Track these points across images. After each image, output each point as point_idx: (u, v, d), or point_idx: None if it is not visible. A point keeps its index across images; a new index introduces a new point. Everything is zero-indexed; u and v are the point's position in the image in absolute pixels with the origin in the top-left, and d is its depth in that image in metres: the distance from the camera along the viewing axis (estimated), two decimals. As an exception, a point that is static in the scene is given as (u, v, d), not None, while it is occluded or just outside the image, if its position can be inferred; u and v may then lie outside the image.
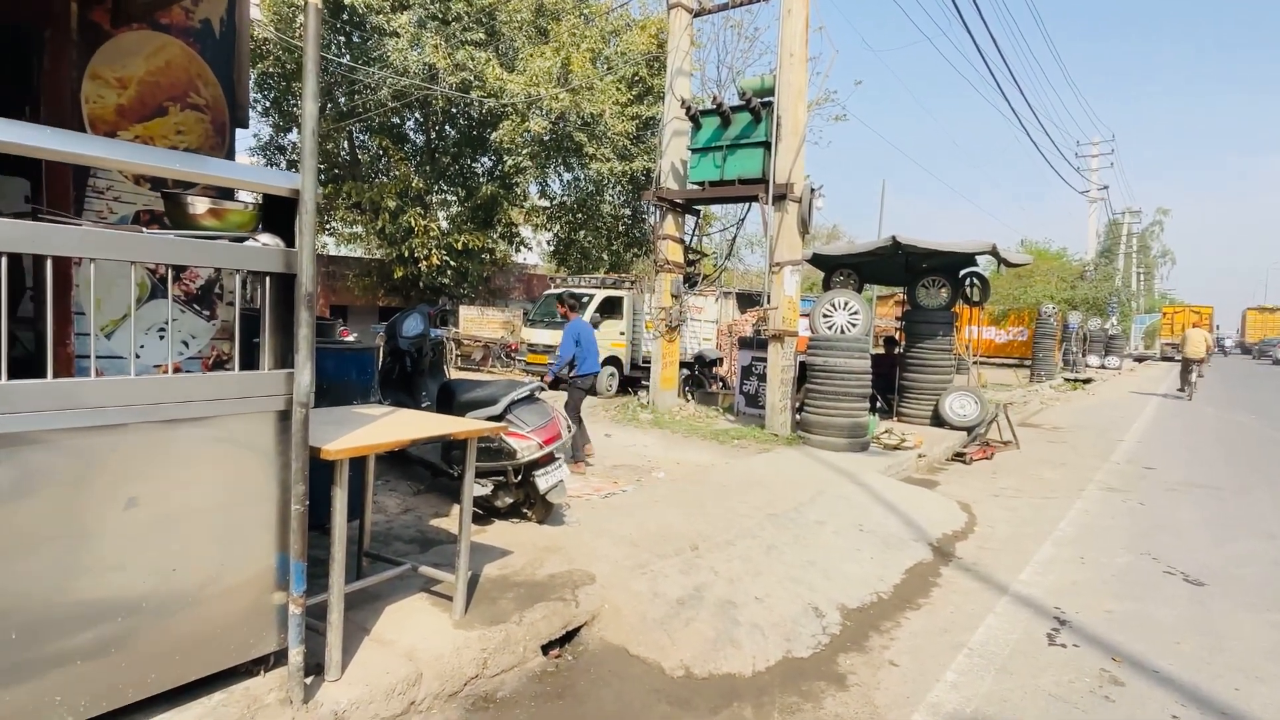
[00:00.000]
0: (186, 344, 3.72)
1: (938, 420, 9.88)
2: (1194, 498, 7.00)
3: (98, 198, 3.41)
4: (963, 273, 10.62)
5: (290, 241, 2.29)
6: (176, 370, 3.53)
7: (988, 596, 4.27)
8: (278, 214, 2.35)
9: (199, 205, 2.21)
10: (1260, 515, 6.39)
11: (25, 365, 2.35)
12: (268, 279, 2.27)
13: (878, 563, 4.60)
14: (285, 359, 2.32)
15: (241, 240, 2.25)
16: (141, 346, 3.50)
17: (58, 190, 3.20)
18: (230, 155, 3.94)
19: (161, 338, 3.54)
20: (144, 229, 2.36)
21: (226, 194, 3.06)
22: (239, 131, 4.05)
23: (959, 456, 8.69)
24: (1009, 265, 10.37)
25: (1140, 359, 38.11)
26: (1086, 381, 20.98)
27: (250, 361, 2.36)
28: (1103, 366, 26.67)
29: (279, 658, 2.44)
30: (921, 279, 10.54)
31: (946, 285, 10.34)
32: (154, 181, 3.50)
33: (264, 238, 2.28)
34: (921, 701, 3.03)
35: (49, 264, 1.80)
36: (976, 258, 10.37)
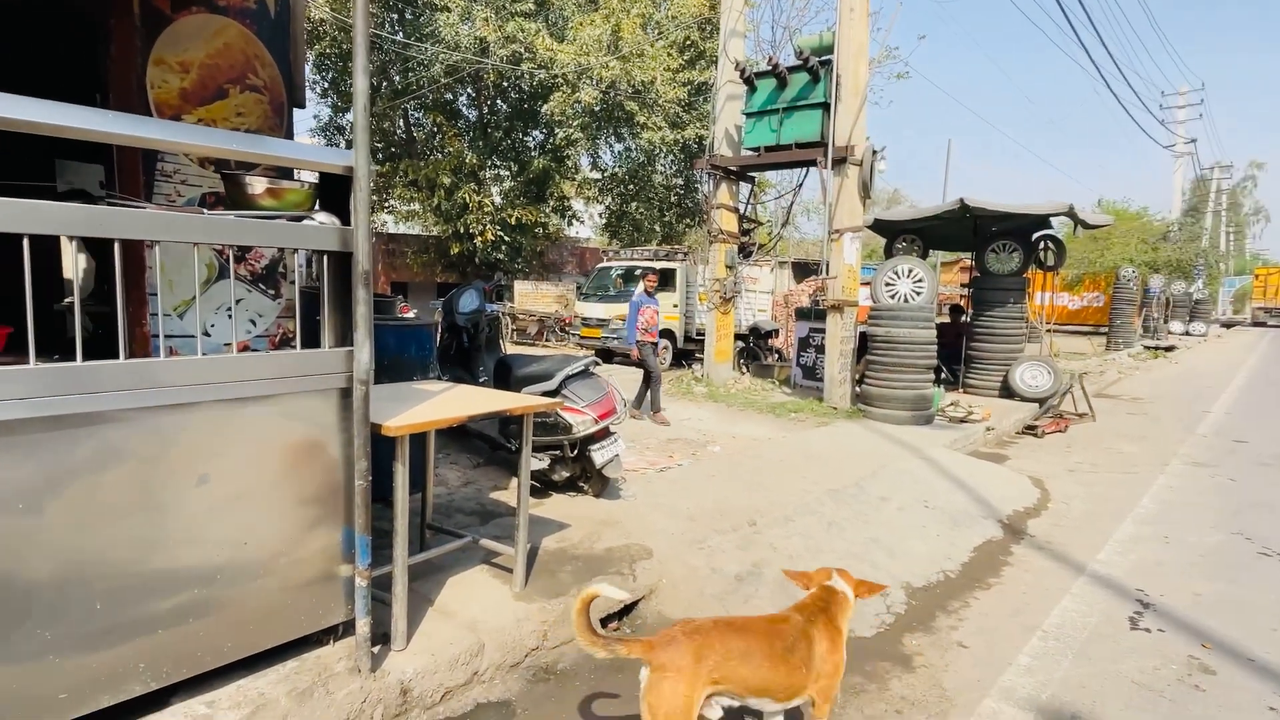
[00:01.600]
0: (254, 322, 3.82)
1: (1007, 391, 9.49)
2: (1292, 473, 6.53)
3: (166, 181, 3.50)
4: (1036, 236, 10.08)
5: (346, 220, 2.29)
6: (244, 348, 3.64)
7: (1063, 577, 4.08)
8: (334, 192, 2.36)
9: (257, 185, 2.23)
10: (1369, 493, 5.92)
11: (107, 345, 2.44)
12: (326, 257, 2.28)
13: (945, 540, 4.45)
14: (345, 337, 2.34)
15: (299, 219, 2.27)
16: (211, 325, 3.61)
17: (128, 175, 3.30)
18: (289, 135, 3.99)
19: (230, 317, 3.65)
20: (206, 210, 2.40)
21: (286, 174, 3.10)
22: (297, 112, 4.10)
23: (1030, 429, 8.33)
24: (1087, 227, 9.79)
25: (1229, 324, 35.82)
26: (1169, 349, 19.83)
27: (312, 339, 2.39)
28: (1187, 333, 25.16)
29: (347, 628, 2.50)
30: (991, 243, 10.05)
31: (1018, 249, 9.83)
32: (218, 164, 3.58)
33: (321, 216, 2.28)
34: (993, 685, 2.91)
35: (116, 246, 1.83)
36: (1051, 220, 9.82)
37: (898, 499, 5.01)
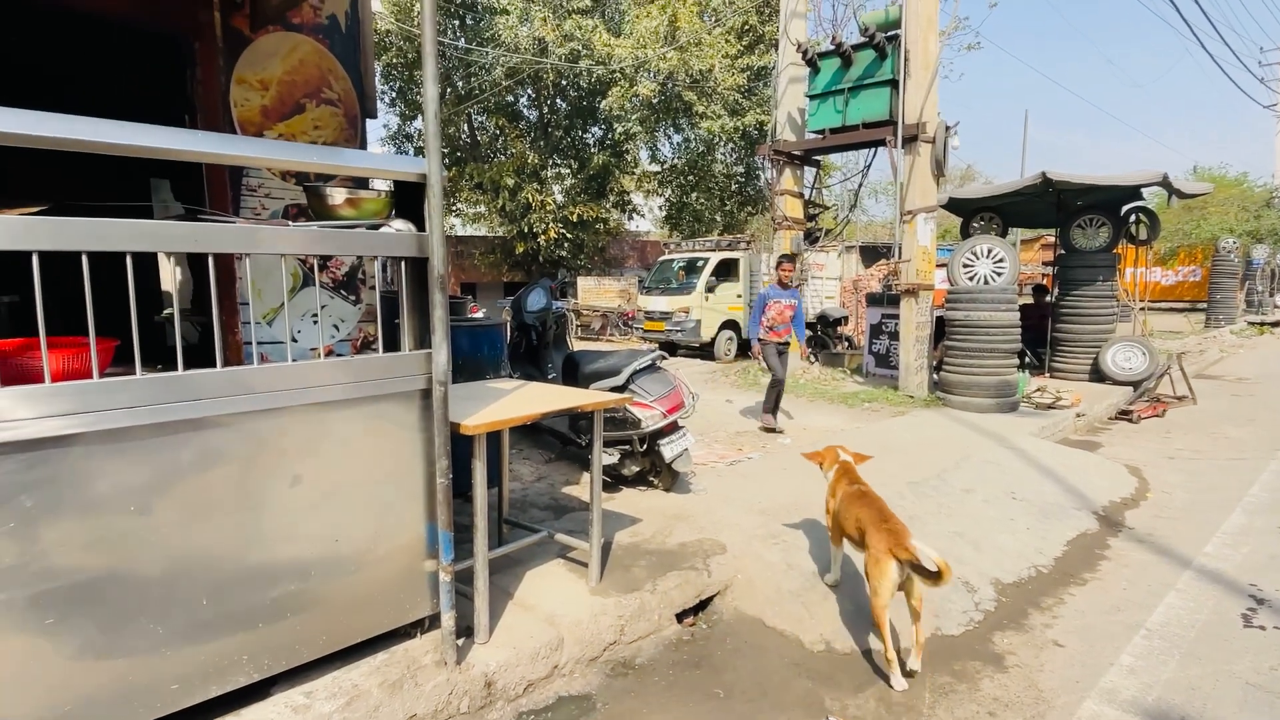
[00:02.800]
0: (337, 327, 3.98)
1: (1098, 375, 8.96)
2: None
3: (251, 195, 3.68)
4: (1126, 208, 9.46)
5: (421, 225, 2.34)
6: (329, 353, 3.80)
7: (1166, 571, 3.82)
8: (408, 199, 2.42)
9: (336, 196, 2.31)
10: None
11: (202, 353, 2.58)
12: (403, 263, 2.35)
13: (1035, 533, 4.24)
14: (423, 339, 2.41)
15: (377, 228, 2.33)
16: (298, 331, 3.78)
17: (217, 191, 3.48)
18: (362, 145, 4.13)
19: (315, 323, 3.81)
20: (290, 222, 2.50)
21: (362, 183, 3.21)
22: (369, 122, 4.23)
23: (1124, 414, 7.85)
24: (1183, 196, 9.11)
25: (1348, 295, 32.79)
26: (1276, 325, 18.32)
27: (393, 342, 2.47)
28: (1298, 307, 23.14)
29: (432, 621, 2.58)
30: (1077, 218, 9.48)
31: (1107, 224, 9.25)
32: (299, 177, 3.74)
33: (397, 223, 2.34)
34: (1093, 686, 2.76)
35: (210, 260, 1.93)
36: (1143, 190, 9.19)
37: (982, 491, 4.81)
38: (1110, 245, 9.29)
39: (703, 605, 3.41)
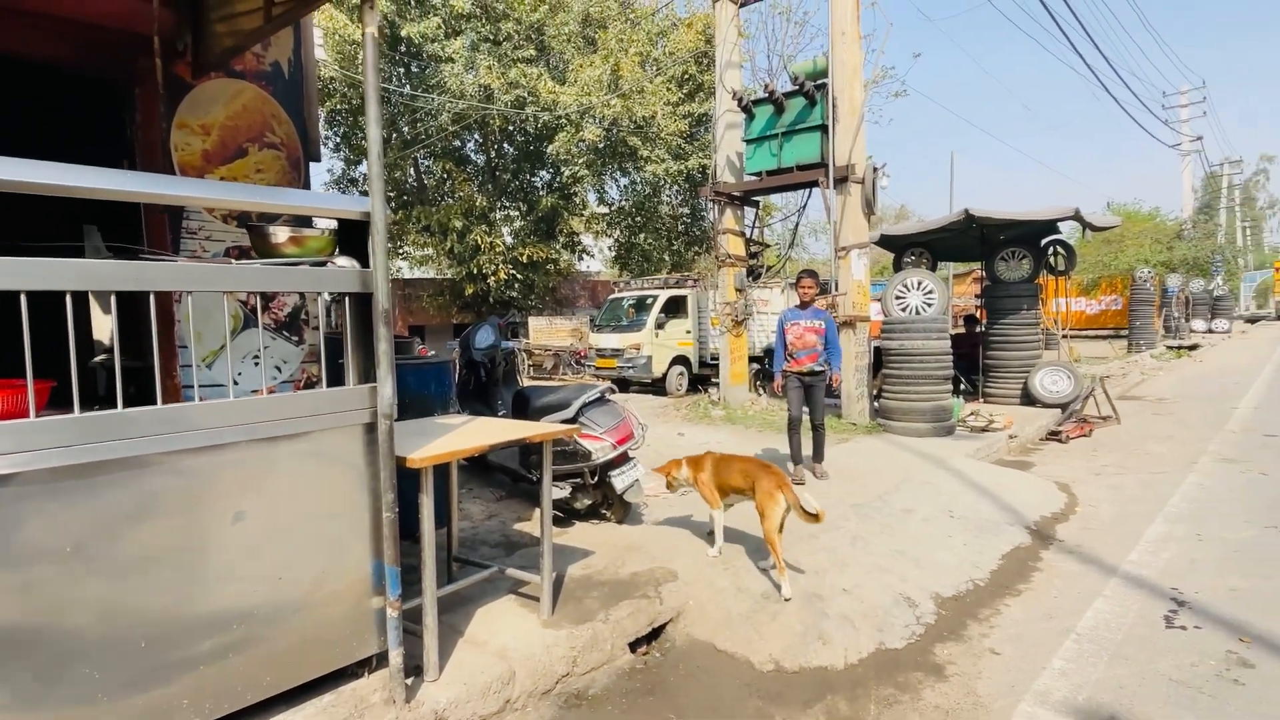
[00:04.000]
0: (279, 369, 3.94)
1: (1028, 398, 9.41)
2: (1326, 465, 6.40)
3: (191, 238, 3.66)
4: (1045, 241, 10.08)
5: (365, 262, 2.40)
6: (271, 394, 3.75)
7: (1095, 579, 4.03)
8: (352, 237, 2.47)
9: (280, 234, 2.35)
10: (1407, 480, 5.78)
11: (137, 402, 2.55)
12: (347, 299, 2.39)
13: (972, 549, 4.42)
14: (368, 374, 2.43)
15: (321, 264, 2.38)
16: (239, 374, 3.73)
17: (156, 234, 3.46)
18: (306, 188, 4.16)
19: (256, 364, 3.77)
20: (233, 261, 2.52)
21: (305, 223, 3.24)
22: (313, 166, 4.27)
23: (1054, 435, 8.24)
24: (1095, 229, 9.78)
25: (1253, 320, 35.20)
26: (1192, 348, 19.54)
27: (337, 380, 2.49)
28: (1210, 331, 24.79)
29: (380, 659, 2.55)
30: (1000, 252, 10.06)
31: (1028, 256, 9.83)
32: (240, 219, 3.74)
33: (341, 260, 2.39)
34: (1028, 690, 2.88)
35: (151, 299, 1.95)
36: (1059, 225, 9.83)
37: (922, 510, 4.99)
38: (1032, 276, 9.85)
39: (656, 633, 3.44)
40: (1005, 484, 5.83)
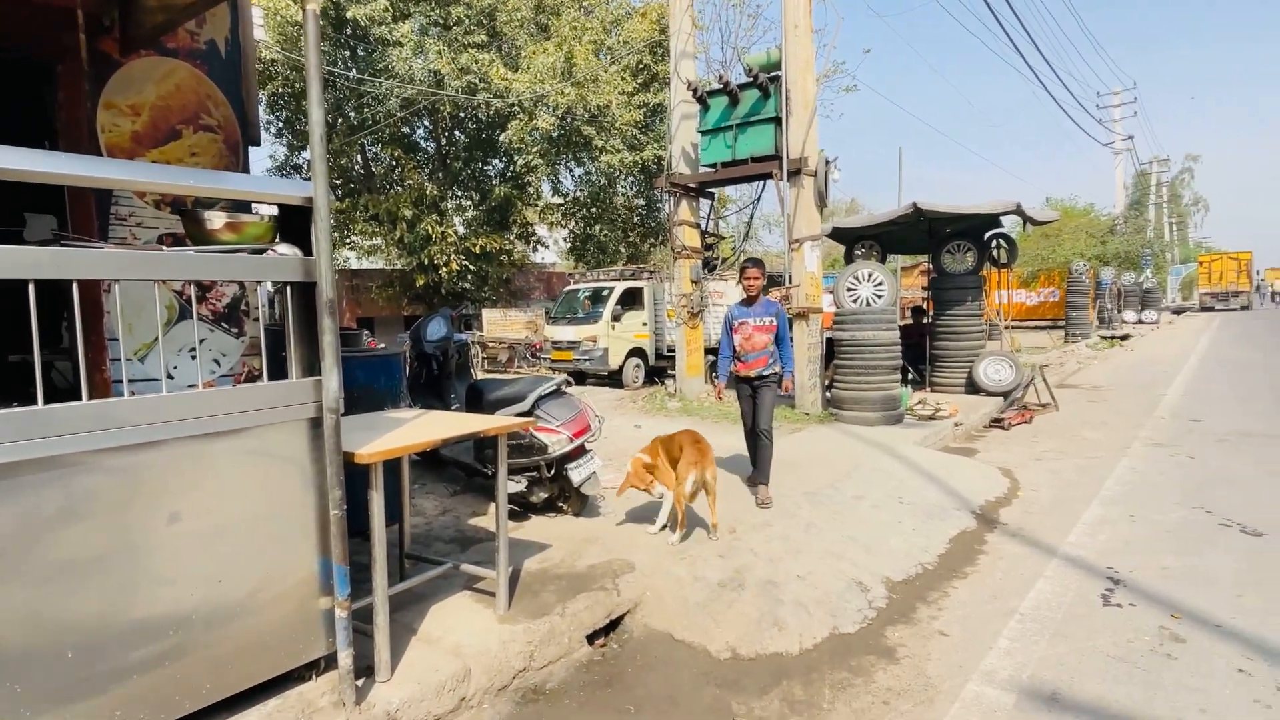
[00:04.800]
0: (218, 362, 3.78)
1: (972, 387, 9.70)
2: (1246, 447, 6.77)
3: (121, 225, 3.47)
4: (988, 235, 10.39)
5: (308, 250, 2.30)
6: (210, 388, 3.59)
7: (1036, 561, 4.18)
8: (294, 224, 2.37)
9: (216, 220, 2.23)
10: (1318, 461, 6.16)
11: (68, 395, 2.40)
12: (289, 289, 2.29)
13: (920, 534, 4.53)
14: (313, 367, 2.34)
15: (261, 252, 2.27)
16: (174, 368, 3.56)
17: (81, 220, 3.26)
18: (245, 173, 3.98)
19: (193, 358, 3.60)
20: (165, 249, 2.39)
21: (244, 209, 3.10)
22: (253, 151, 4.09)
23: (997, 422, 8.53)
24: (1035, 224, 10.13)
25: (1179, 311, 37.07)
26: (1124, 338, 20.48)
27: (280, 374, 2.39)
28: (1140, 322, 25.96)
29: (329, 661, 2.47)
30: (946, 245, 10.33)
31: (972, 249, 10.12)
32: (174, 205, 3.56)
33: (282, 248, 2.29)
34: (975, 669, 2.97)
35: (75, 288, 1.83)
36: (1001, 219, 10.14)
37: (872, 497, 5.09)
38: (976, 269, 10.15)
39: (614, 625, 3.43)
40: (951, 470, 6.00)
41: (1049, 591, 3.74)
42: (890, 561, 4.10)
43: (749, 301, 5.07)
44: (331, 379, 2.26)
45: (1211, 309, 37.55)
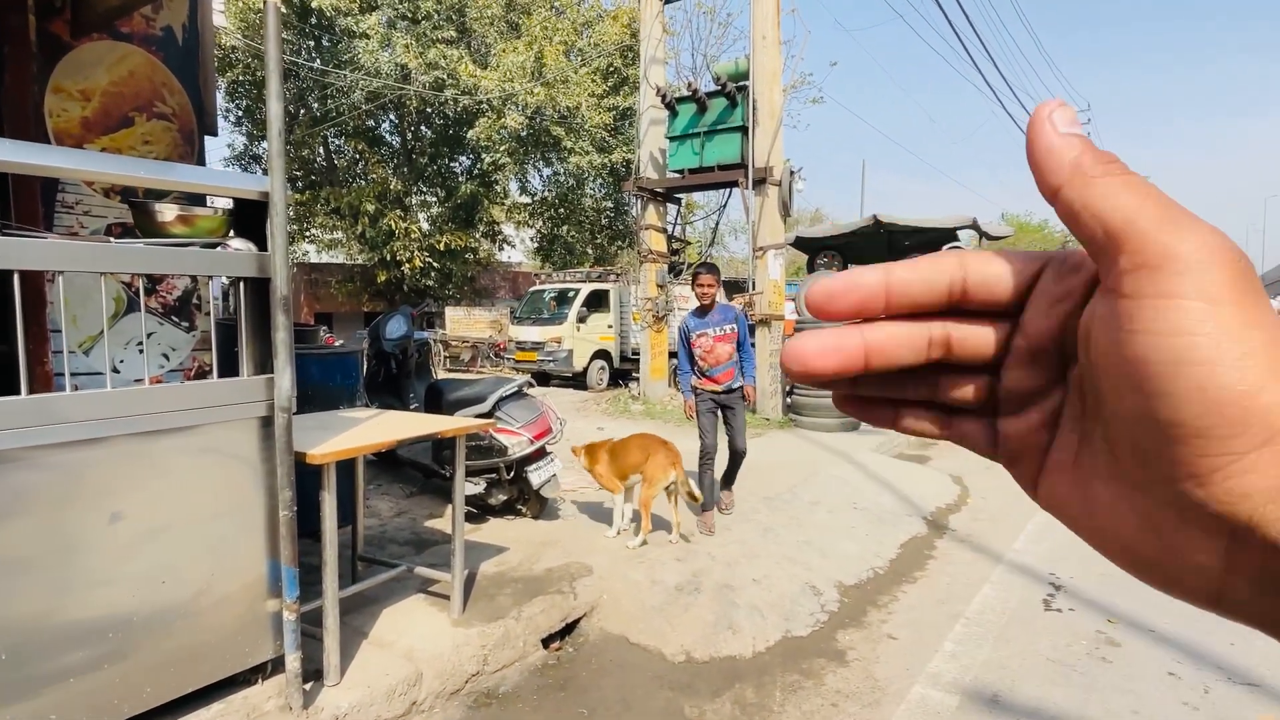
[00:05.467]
0: (167, 356, 3.68)
1: (927, 396, 9.93)
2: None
3: (67, 213, 3.35)
4: (945, 248, 10.66)
5: (263, 245, 2.26)
6: (158, 383, 3.50)
7: (983, 566, 4.30)
8: (250, 218, 2.32)
9: (167, 213, 2.18)
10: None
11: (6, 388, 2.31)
12: (242, 284, 2.24)
13: (873, 539, 4.63)
14: (265, 365, 2.30)
15: (213, 247, 2.22)
16: (121, 361, 3.45)
17: (25, 207, 3.14)
18: (200, 163, 3.88)
19: (141, 351, 3.50)
20: (113, 240, 2.32)
21: (198, 201, 3.02)
22: (209, 140, 3.99)
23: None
24: (990, 239, 10.43)
25: (1124, 326, 38.47)
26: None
27: (231, 370, 2.34)
28: (1088, 335, 26.88)
29: (276, 665, 2.42)
30: (904, 257, 10.54)
31: (930, 262, 10.37)
32: (124, 193, 3.45)
33: (236, 243, 2.25)
34: (921, 672, 3.05)
35: (15, 279, 1.77)
36: (958, 233, 10.42)
37: (828, 502, 5.18)
38: (934, 280, 10.40)
39: (570, 628, 3.42)
40: (904, 477, 6.14)
41: (994, 596, 3.85)
42: (844, 566, 4.18)
43: (704, 311, 4.62)
44: (284, 377, 2.23)
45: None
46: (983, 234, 9.99)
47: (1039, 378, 0.26)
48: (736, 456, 4.75)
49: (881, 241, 10.57)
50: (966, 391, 0.28)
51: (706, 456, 4.59)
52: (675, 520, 4.29)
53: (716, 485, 4.72)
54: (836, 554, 4.31)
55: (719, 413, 4.65)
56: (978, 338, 0.27)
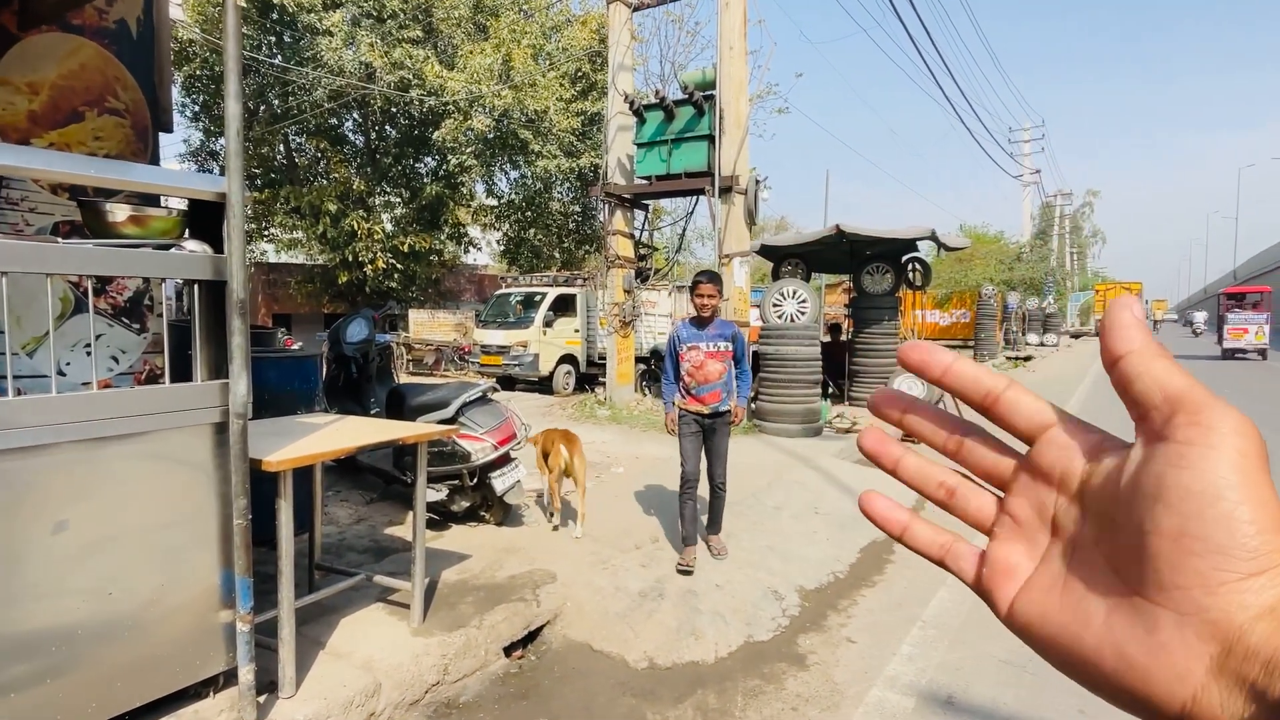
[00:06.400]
0: (116, 359, 3.55)
1: (888, 403, 10.12)
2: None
3: (12, 209, 3.22)
4: (905, 258, 10.90)
5: (219, 247, 2.21)
6: (107, 386, 3.38)
7: (939, 570, 4.36)
8: (205, 219, 2.27)
9: (119, 213, 2.12)
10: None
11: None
12: (197, 287, 2.19)
13: (834, 544, 4.70)
14: (220, 369, 2.25)
15: (167, 248, 2.17)
16: (67, 364, 3.33)
17: (-35, 203, 3.02)
18: (154, 161, 3.77)
19: (89, 354, 3.38)
20: (60, 239, 2.25)
21: (152, 201, 2.94)
22: (164, 136, 3.88)
23: (909, 436, 8.91)
24: (948, 249, 10.68)
25: (1077, 335, 39.72)
26: (1027, 359, 21.79)
27: (184, 374, 2.28)
28: (1042, 344, 27.74)
29: (229, 677, 2.37)
30: (866, 266, 10.78)
31: (890, 271, 10.59)
32: (73, 190, 3.33)
33: (191, 244, 2.19)
34: (879, 675, 3.11)
35: (-46, 279, 1.70)
36: (917, 243, 10.66)
37: (791, 507, 5.25)
38: (893, 290, 10.63)
39: (532, 636, 3.41)
40: (865, 482, 6.24)
41: (949, 600, 3.94)
42: (805, 570, 4.24)
43: (701, 322, 4.17)
44: (240, 383, 2.18)
45: (1104, 334, 40.39)
46: (941, 244, 10.23)
47: (1032, 509, 0.33)
48: (716, 491, 4.25)
49: (844, 250, 10.75)
50: (970, 506, 0.37)
51: (687, 485, 4.16)
52: (581, 512, 4.51)
53: (700, 520, 4.33)
54: (798, 559, 4.37)
55: (700, 437, 4.17)
56: (990, 461, 0.36)
